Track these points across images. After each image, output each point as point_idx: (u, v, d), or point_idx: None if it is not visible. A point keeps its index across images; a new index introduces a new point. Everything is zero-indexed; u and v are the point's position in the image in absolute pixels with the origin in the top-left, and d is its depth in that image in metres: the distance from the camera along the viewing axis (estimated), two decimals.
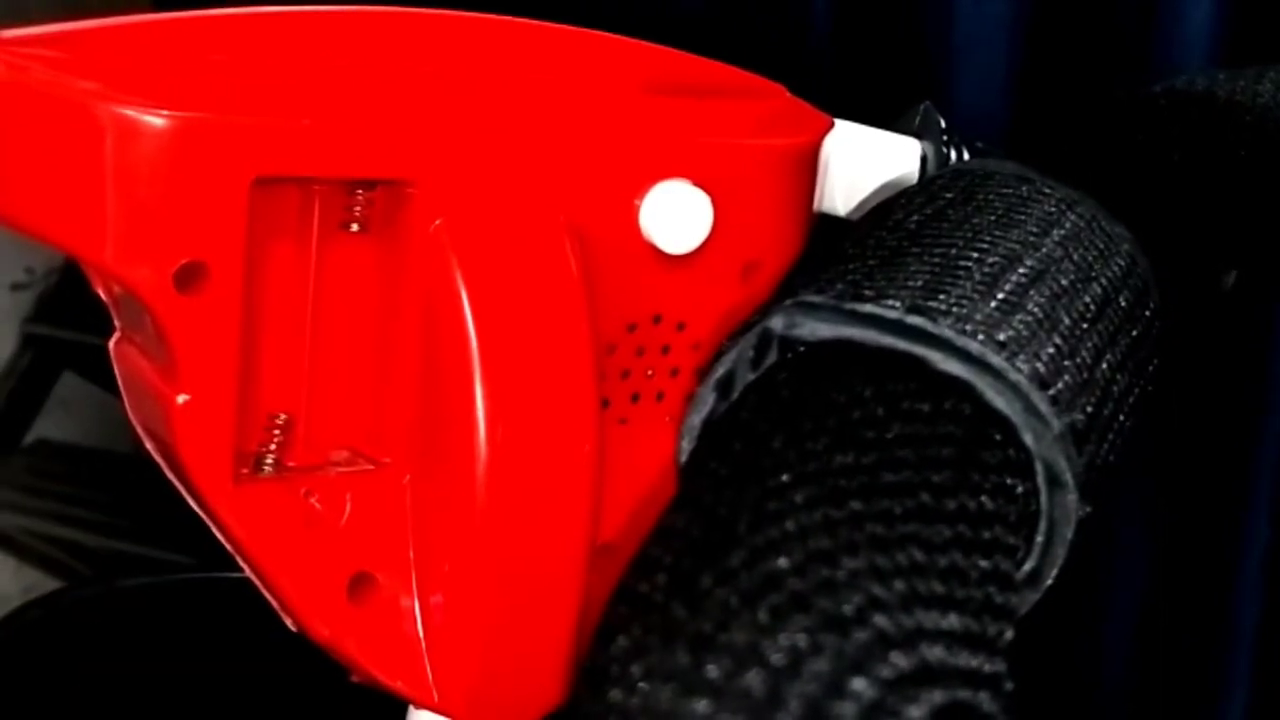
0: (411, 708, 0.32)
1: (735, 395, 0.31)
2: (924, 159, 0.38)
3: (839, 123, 0.36)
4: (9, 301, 1.26)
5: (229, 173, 0.27)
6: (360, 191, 0.30)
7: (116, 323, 0.31)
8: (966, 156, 0.38)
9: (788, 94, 0.36)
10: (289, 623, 0.30)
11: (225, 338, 0.28)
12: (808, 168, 0.35)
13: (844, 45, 0.83)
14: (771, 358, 0.30)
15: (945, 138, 0.39)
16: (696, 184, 0.32)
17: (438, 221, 0.30)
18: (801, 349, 0.30)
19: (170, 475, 0.30)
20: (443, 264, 0.30)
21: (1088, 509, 0.29)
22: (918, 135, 0.38)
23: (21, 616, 0.69)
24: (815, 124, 0.35)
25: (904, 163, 0.38)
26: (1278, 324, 0.79)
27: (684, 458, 0.32)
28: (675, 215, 0.31)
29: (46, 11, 0.31)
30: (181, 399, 0.28)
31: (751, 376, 0.30)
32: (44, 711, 0.67)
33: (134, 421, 0.30)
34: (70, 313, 1.23)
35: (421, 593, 0.31)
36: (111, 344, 0.31)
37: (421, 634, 0.30)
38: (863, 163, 0.37)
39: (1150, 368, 0.34)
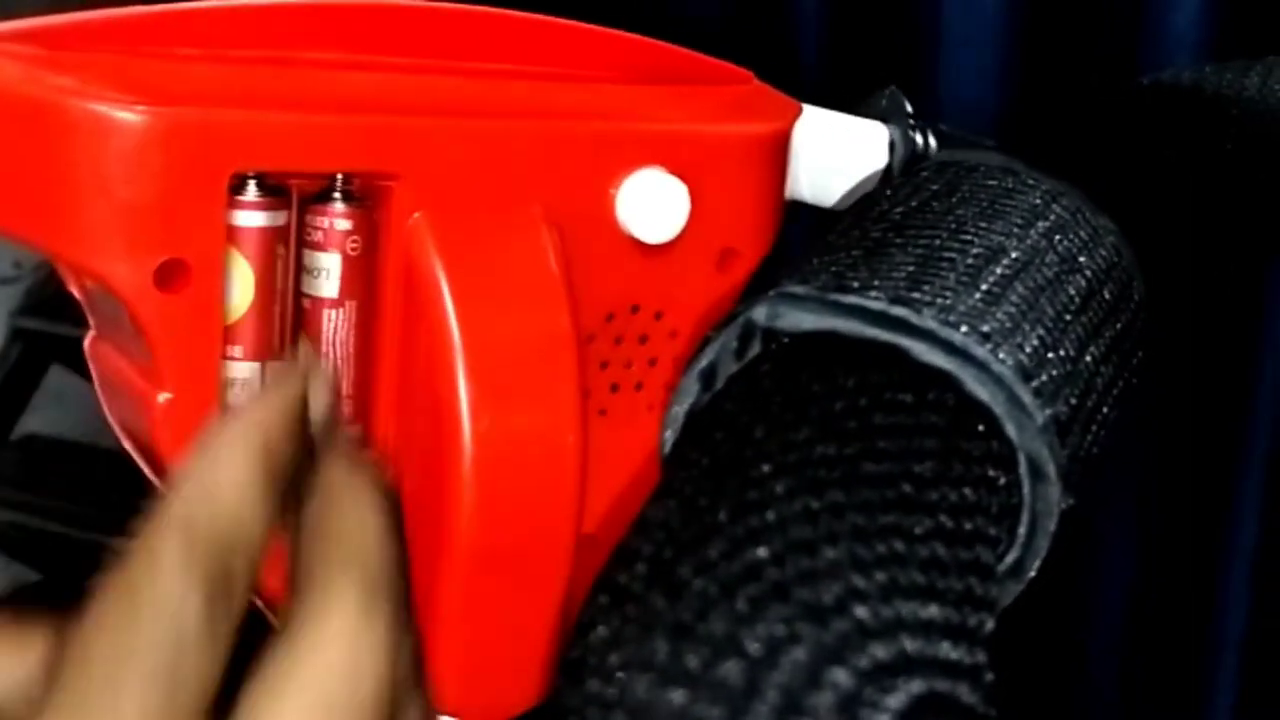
0: None
1: (719, 386, 0.31)
2: (892, 144, 0.38)
3: (806, 108, 0.36)
4: None
5: (207, 168, 0.27)
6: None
7: (91, 322, 0.30)
8: (933, 140, 0.38)
9: (755, 80, 0.36)
10: (275, 621, 0.30)
11: (206, 335, 0.28)
12: (781, 154, 0.35)
13: (834, 38, 0.83)
14: (755, 349, 0.30)
15: (911, 121, 0.38)
16: (672, 172, 0.32)
17: (417, 214, 0.30)
18: (785, 340, 0.30)
19: (149, 473, 0.30)
20: (422, 257, 0.29)
21: (1070, 500, 0.29)
22: (884, 119, 0.38)
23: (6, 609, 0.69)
24: (785, 109, 0.35)
25: (872, 148, 0.38)
26: (1266, 318, 0.78)
27: (667, 448, 0.32)
28: (652, 204, 0.31)
29: (29, 6, 0.31)
30: (163, 398, 0.28)
31: (735, 367, 0.30)
32: None
33: (111, 419, 0.30)
34: (59, 307, 1.23)
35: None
36: (86, 343, 0.31)
37: None
38: (831, 148, 0.37)
39: (1134, 359, 0.34)
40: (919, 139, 0.38)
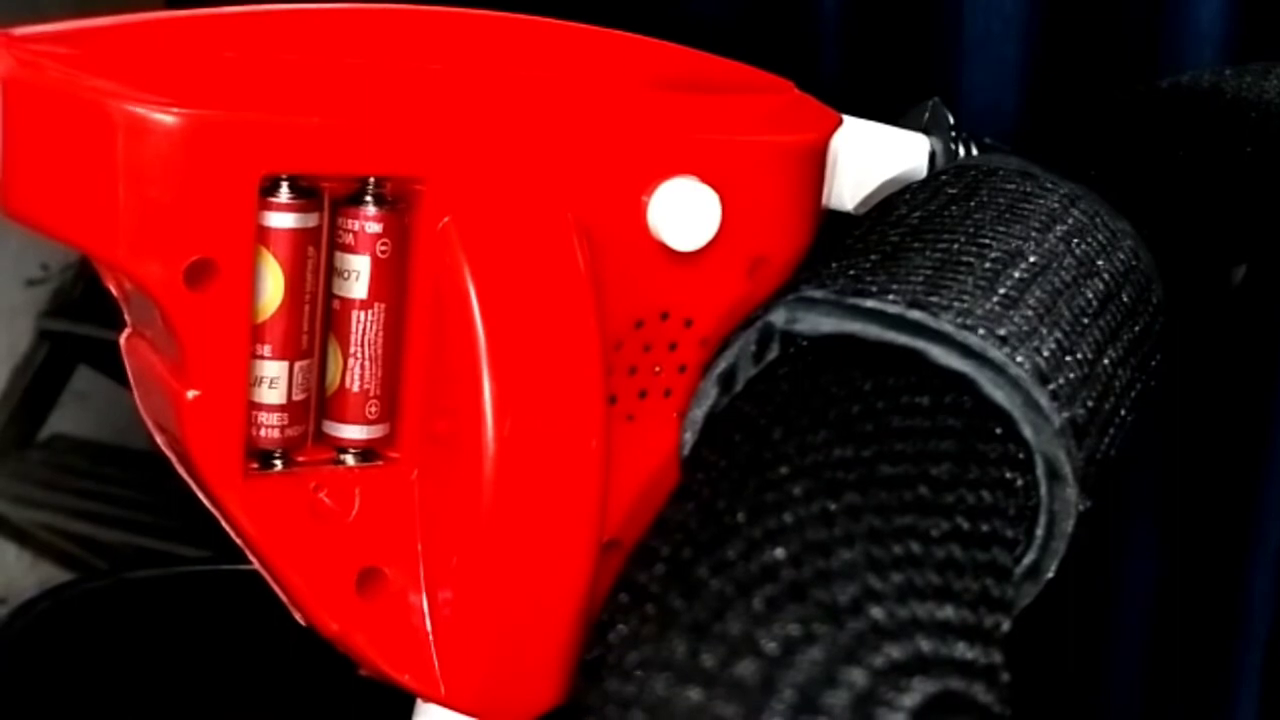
0: (419, 701, 0.32)
1: (737, 389, 0.31)
2: (932, 155, 0.38)
3: (847, 119, 0.36)
4: (25, 297, 1.26)
5: (238, 170, 0.27)
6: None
7: (127, 318, 0.31)
8: (975, 153, 0.39)
9: (796, 90, 0.36)
10: (298, 617, 0.31)
11: (235, 334, 0.28)
12: (816, 164, 0.35)
13: (854, 41, 0.83)
14: (773, 352, 0.30)
15: (954, 134, 0.39)
16: (705, 181, 0.32)
17: (446, 219, 0.30)
18: (803, 343, 0.30)
19: (180, 470, 0.30)
20: (451, 261, 0.30)
21: (1088, 503, 0.29)
22: (926, 131, 0.39)
23: (32, 608, 0.70)
24: (824, 120, 0.35)
25: (913, 159, 0.38)
26: None
27: (686, 450, 0.32)
28: (683, 212, 0.32)
29: (60, 9, 0.32)
30: (191, 394, 0.28)
31: (753, 370, 0.31)
32: (54, 702, 0.67)
33: (145, 416, 0.31)
34: (85, 308, 1.24)
35: (429, 588, 0.31)
36: (123, 340, 0.31)
37: (429, 628, 0.31)
38: (871, 159, 0.37)
39: (1153, 363, 0.34)
40: (961, 150, 0.38)
